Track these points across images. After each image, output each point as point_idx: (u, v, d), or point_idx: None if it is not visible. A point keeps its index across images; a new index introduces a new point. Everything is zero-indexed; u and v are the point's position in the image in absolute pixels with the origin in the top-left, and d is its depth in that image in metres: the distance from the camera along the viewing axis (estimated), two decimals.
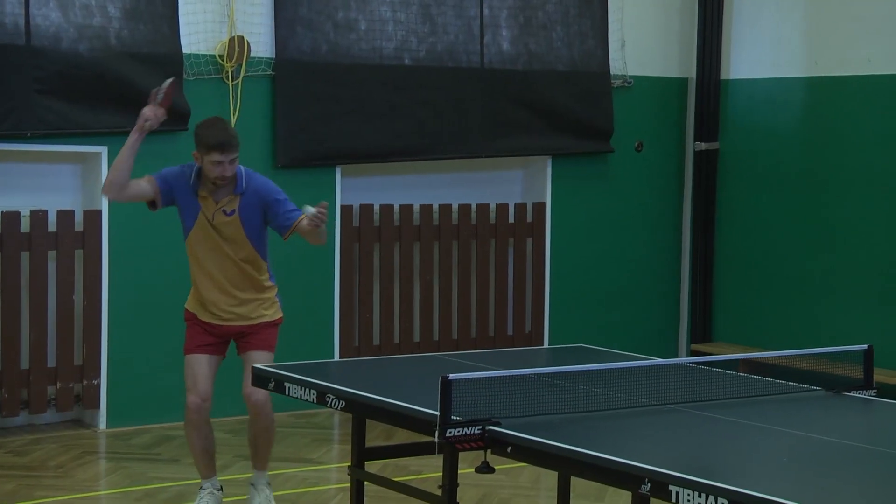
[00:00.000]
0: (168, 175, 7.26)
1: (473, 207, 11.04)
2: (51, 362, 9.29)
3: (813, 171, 11.25)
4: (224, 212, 7.18)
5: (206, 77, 9.68)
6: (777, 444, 5.14)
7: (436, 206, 10.86)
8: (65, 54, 9.08)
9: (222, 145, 6.98)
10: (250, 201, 7.18)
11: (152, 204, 7.32)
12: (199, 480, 7.60)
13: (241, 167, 7.25)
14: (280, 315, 7.48)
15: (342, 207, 10.33)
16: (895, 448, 5.08)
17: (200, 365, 7.27)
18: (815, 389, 6.24)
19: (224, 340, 7.42)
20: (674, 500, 4.31)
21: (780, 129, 11.54)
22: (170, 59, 9.40)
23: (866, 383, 6.21)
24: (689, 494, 4.25)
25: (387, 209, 10.61)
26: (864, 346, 6.29)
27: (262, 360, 7.18)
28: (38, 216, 9.20)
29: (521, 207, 11.30)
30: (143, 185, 7.20)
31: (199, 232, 7.21)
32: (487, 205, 11.13)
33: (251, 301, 7.36)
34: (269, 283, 7.49)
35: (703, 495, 4.19)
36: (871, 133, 10.82)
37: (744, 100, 11.85)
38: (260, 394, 7.10)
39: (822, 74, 11.18)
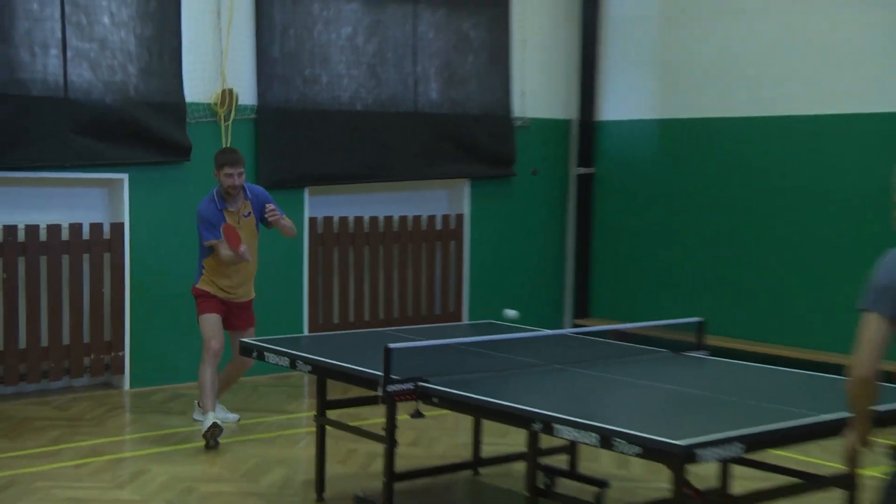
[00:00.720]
0: (207, 220, 7.59)
1: (410, 218, 11.11)
2: (86, 339, 9.30)
3: (665, 189, 11.32)
4: (243, 215, 7.71)
5: (203, 120, 9.63)
6: (634, 392, 5.38)
7: (381, 218, 10.93)
8: (94, 104, 9.04)
9: (231, 162, 7.62)
10: (255, 202, 7.80)
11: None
12: (199, 427, 7.76)
13: (247, 184, 7.80)
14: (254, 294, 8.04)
15: (309, 219, 10.35)
16: (719, 392, 5.32)
17: (217, 321, 7.76)
18: (663, 351, 6.42)
19: (225, 313, 7.84)
20: (556, 435, 4.51)
21: (639, 158, 11.58)
22: (175, 107, 9.42)
23: (699, 346, 6.38)
24: (567, 431, 4.44)
25: (344, 220, 10.68)
26: (699, 319, 6.47)
27: (251, 334, 7.75)
28: (75, 228, 9.20)
29: (446, 218, 11.37)
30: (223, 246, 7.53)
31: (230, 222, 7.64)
32: (421, 216, 11.19)
33: (249, 283, 7.96)
34: (254, 272, 7.97)
35: (578, 431, 4.40)
36: (709, 161, 10.91)
37: (612, 136, 11.84)
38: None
39: (671, 117, 11.27)
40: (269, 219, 7.76)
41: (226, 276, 7.78)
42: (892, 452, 3.61)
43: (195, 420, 8.14)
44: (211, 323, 7.75)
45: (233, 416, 8.30)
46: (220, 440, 7.64)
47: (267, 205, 7.79)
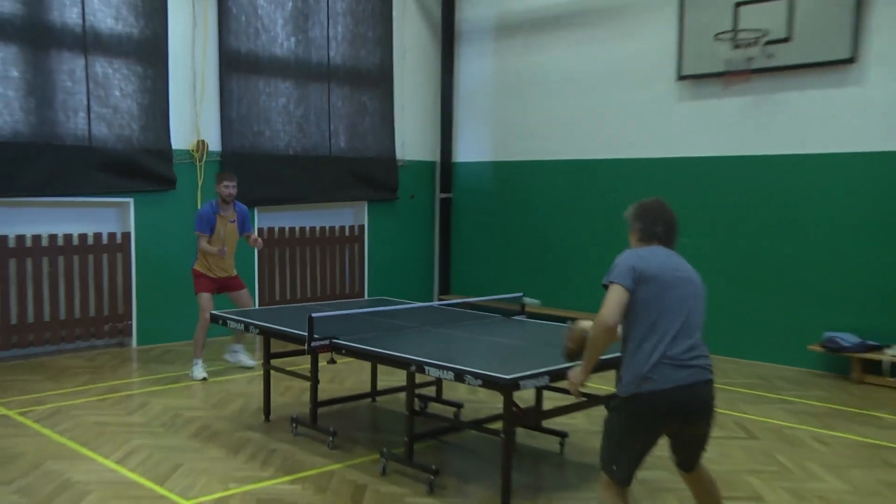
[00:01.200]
0: (204, 218, 7.83)
1: (327, 228, 11.06)
2: (105, 312, 9.20)
3: (499, 207, 11.37)
4: (230, 220, 7.85)
5: (184, 161, 9.54)
6: (478, 343, 5.45)
7: (307, 227, 10.87)
8: (109, 150, 8.95)
9: (229, 177, 7.84)
10: (240, 215, 7.97)
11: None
12: (189, 371, 7.94)
13: (237, 201, 8.00)
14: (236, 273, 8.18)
15: (259, 230, 10.13)
16: (533, 343, 5.48)
17: (209, 298, 7.87)
18: (497, 316, 6.51)
19: (218, 286, 7.95)
20: (426, 373, 4.66)
21: (482, 186, 11.62)
22: (165, 152, 9.33)
23: (521, 312, 6.49)
24: (433, 370, 4.59)
25: (282, 229, 10.59)
26: (520, 294, 6.61)
27: (245, 293, 8.17)
28: (97, 236, 9.12)
29: (352, 227, 11.32)
30: (204, 241, 7.82)
31: (219, 231, 7.80)
32: (335, 226, 11.14)
33: (229, 265, 8.01)
34: (231, 259, 8.08)
35: (440, 370, 4.55)
36: (527, 188, 11.01)
37: (463, 172, 11.87)
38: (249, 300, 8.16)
39: (502, 159, 11.37)
40: (251, 245, 8.12)
41: (211, 262, 7.88)
42: (607, 401, 3.77)
43: (226, 360, 8.43)
44: (205, 299, 7.86)
45: (250, 362, 8.35)
46: (208, 380, 7.79)
47: (250, 235, 8.12)
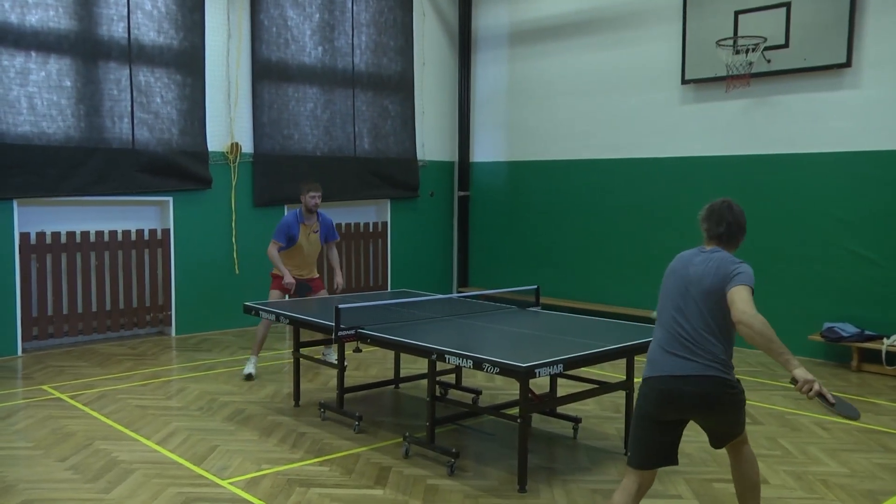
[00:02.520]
0: (284, 228, 7.30)
1: (353, 224, 11.03)
2: (147, 303, 9.21)
3: (513, 204, 11.32)
4: (313, 230, 7.44)
5: (219, 162, 9.54)
6: (495, 333, 5.41)
7: (335, 223, 10.73)
8: (151, 152, 8.96)
9: (316, 188, 7.37)
10: (323, 225, 7.54)
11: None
12: (245, 359, 7.90)
13: (321, 211, 7.53)
14: (318, 275, 7.75)
15: None
16: (548, 332, 5.36)
17: (278, 296, 7.34)
18: (513, 307, 6.44)
19: (298, 287, 7.44)
20: (447, 361, 4.59)
21: (497, 185, 11.57)
22: (202, 154, 9.33)
23: (536, 304, 6.43)
24: (453, 358, 4.52)
25: None
26: (535, 286, 6.55)
27: (323, 293, 7.62)
28: (140, 232, 9.13)
29: (375, 224, 11.30)
30: (275, 249, 7.28)
31: (301, 240, 7.36)
32: (359, 223, 11.11)
33: (310, 269, 7.60)
34: (313, 264, 7.66)
35: (460, 358, 4.48)
36: (539, 186, 10.94)
37: (480, 171, 11.82)
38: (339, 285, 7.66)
39: (515, 159, 11.32)
40: (332, 265, 7.73)
41: (291, 264, 7.41)
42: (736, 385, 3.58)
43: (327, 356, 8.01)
44: (273, 298, 7.30)
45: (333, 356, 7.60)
46: (234, 367, 7.69)
47: (333, 246, 7.70)
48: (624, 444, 5.38)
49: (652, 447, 3.57)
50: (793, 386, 3.42)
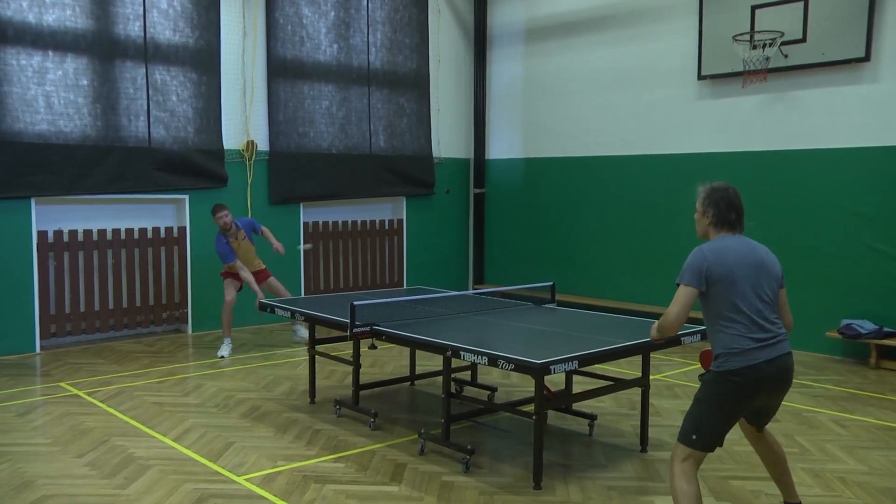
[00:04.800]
0: (225, 250, 8.13)
1: (368, 221, 11.04)
2: (163, 301, 9.26)
3: (528, 200, 11.29)
4: (241, 238, 8.22)
5: (235, 160, 9.58)
6: (510, 329, 5.38)
7: (350, 221, 10.87)
8: (167, 151, 9.00)
9: (220, 208, 8.15)
10: (245, 229, 8.32)
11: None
12: (222, 348, 8.22)
13: (235, 219, 8.27)
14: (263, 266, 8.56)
15: (303, 223, 10.27)
16: (563, 329, 5.36)
17: (233, 285, 8.24)
18: (528, 304, 6.43)
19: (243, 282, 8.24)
20: (462, 358, 4.59)
21: (512, 181, 11.55)
22: (217, 152, 9.37)
23: (552, 300, 6.43)
24: (468, 355, 4.53)
25: (325, 223, 10.58)
26: (551, 282, 6.54)
27: (273, 280, 8.53)
28: (157, 230, 9.18)
29: (391, 221, 11.31)
30: (238, 267, 8.18)
31: (237, 250, 8.13)
32: (375, 220, 11.12)
33: (252, 264, 8.34)
34: (253, 260, 8.45)
35: (475, 355, 4.48)
36: (554, 182, 10.91)
37: (496, 168, 11.81)
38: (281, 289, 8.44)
39: (530, 156, 11.30)
40: (275, 248, 8.46)
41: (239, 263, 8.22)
42: (700, 376, 3.69)
43: (295, 341, 8.80)
44: (229, 286, 8.29)
45: (304, 332, 8.56)
46: (250, 364, 7.73)
47: (265, 232, 8.53)
48: (639, 439, 5.35)
49: (728, 431, 3.68)
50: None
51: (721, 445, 3.67)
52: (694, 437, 3.59)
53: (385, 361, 7.94)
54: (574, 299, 10.01)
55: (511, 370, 4.38)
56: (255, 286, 8.10)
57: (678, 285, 3.61)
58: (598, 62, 10.39)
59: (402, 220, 11.39)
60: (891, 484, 4.74)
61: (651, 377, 5.36)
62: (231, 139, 9.60)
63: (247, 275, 8.12)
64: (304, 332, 8.51)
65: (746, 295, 3.55)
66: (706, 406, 3.62)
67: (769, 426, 3.96)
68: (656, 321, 3.78)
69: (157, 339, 9.03)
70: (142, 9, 8.79)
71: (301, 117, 10.12)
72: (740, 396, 3.55)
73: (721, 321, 3.59)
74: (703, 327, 4.63)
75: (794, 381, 7.19)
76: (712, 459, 5.07)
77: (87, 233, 8.76)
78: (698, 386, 3.70)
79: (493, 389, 6.54)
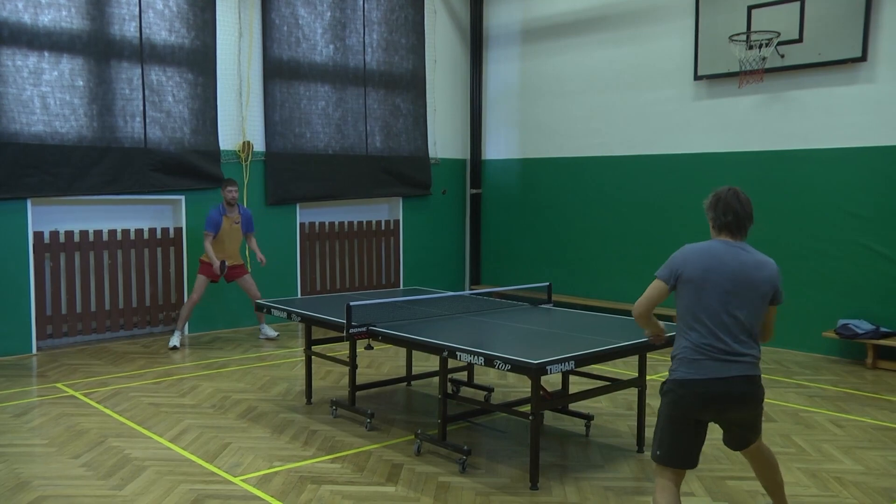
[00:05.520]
0: (211, 219, 8.48)
1: (365, 222, 11.04)
2: (160, 301, 9.24)
3: (524, 201, 11.27)
4: (235, 221, 8.40)
5: (231, 161, 9.55)
6: (506, 330, 5.38)
7: (346, 222, 10.86)
8: (163, 151, 8.99)
9: (232, 182, 8.44)
10: (243, 217, 8.57)
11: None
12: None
13: (240, 204, 8.51)
14: (242, 262, 8.82)
15: (300, 224, 10.24)
16: (560, 329, 5.36)
17: (204, 281, 8.57)
18: (525, 304, 6.43)
19: (220, 276, 8.54)
20: (458, 358, 4.59)
21: (508, 182, 11.53)
22: (213, 153, 9.35)
23: (548, 300, 6.42)
24: (465, 356, 4.53)
25: (322, 224, 10.58)
26: (547, 283, 6.54)
27: (248, 278, 8.72)
28: (152, 231, 9.17)
29: (387, 222, 11.30)
30: (209, 240, 8.49)
31: (224, 230, 8.41)
32: (371, 220, 11.12)
33: (234, 257, 8.68)
34: (236, 252, 8.78)
35: (472, 355, 4.48)
36: (550, 183, 10.90)
37: (492, 168, 11.79)
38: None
39: (526, 157, 11.29)
40: (259, 257, 8.75)
41: (219, 252, 8.56)
42: (661, 387, 3.63)
43: (261, 339, 8.99)
44: (200, 282, 8.58)
45: (273, 333, 9.06)
46: (246, 365, 7.69)
47: (251, 236, 8.85)
48: (636, 440, 5.36)
49: (688, 447, 3.55)
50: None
51: (689, 464, 3.55)
52: (658, 451, 3.57)
53: (381, 362, 7.93)
54: (570, 300, 10.02)
55: (507, 371, 4.38)
56: (216, 263, 8.42)
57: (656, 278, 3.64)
58: (595, 62, 10.39)
59: (398, 220, 11.38)
60: (887, 484, 4.74)
61: (647, 377, 5.36)
62: (227, 140, 9.59)
63: (211, 252, 8.40)
64: (270, 332, 9.01)
65: (712, 305, 3.47)
66: (660, 418, 3.60)
67: (762, 437, 3.89)
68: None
69: (154, 340, 9.02)
70: (137, 9, 8.79)
71: (297, 118, 10.11)
72: (683, 408, 3.48)
73: (682, 324, 3.56)
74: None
75: (792, 380, 7.24)
76: (709, 460, 5.08)
77: (84, 234, 8.75)
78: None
79: (489, 390, 6.54)
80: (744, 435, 3.68)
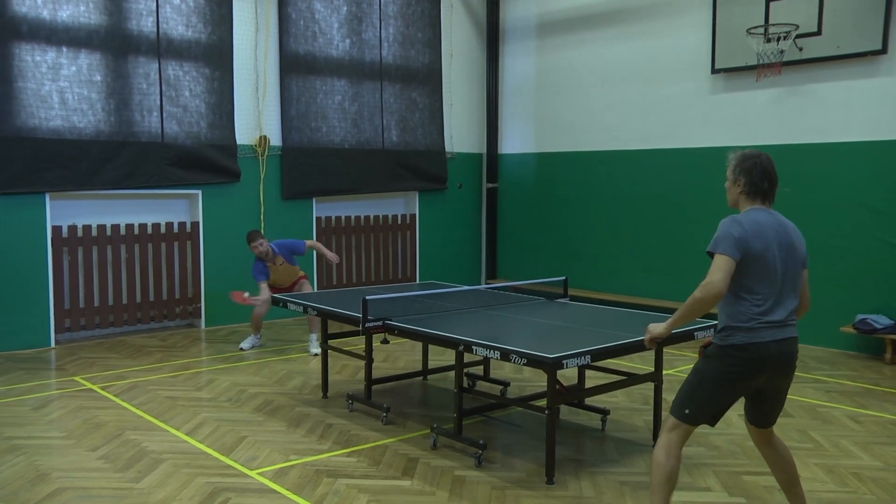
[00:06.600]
0: (260, 270, 7.94)
1: (381, 216, 11.05)
2: (177, 295, 9.32)
3: (541, 195, 11.27)
4: (279, 264, 7.95)
5: (248, 156, 9.59)
6: (522, 324, 5.39)
7: (362, 216, 10.90)
8: (180, 146, 9.03)
9: (255, 236, 7.88)
10: (283, 254, 8.02)
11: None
12: (248, 340, 8.19)
13: (270, 244, 8.02)
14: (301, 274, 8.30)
15: (316, 218, 10.30)
16: (576, 323, 5.32)
17: (267, 286, 7.94)
18: (541, 299, 6.43)
19: (280, 291, 7.96)
20: (474, 353, 4.58)
21: (525, 176, 11.52)
22: (230, 148, 9.38)
23: (564, 295, 6.42)
24: (481, 350, 4.51)
25: (338, 218, 10.61)
26: (563, 277, 6.56)
27: (306, 283, 8.34)
28: (169, 225, 9.22)
29: (403, 216, 11.31)
30: (265, 286, 7.92)
31: (276, 273, 7.96)
32: (388, 215, 11.13)
33: (292, 277, 8.17)
34: (290, 283, 8.21)
35: (488, 349, 4.48)
36: (567, 177, 10.89)
37: (508, 162, 11.79)
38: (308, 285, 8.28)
39: (543, 151, 11.27)
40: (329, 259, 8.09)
41: (275, 282, 8.11)
42: (704, 349, 3.57)
43: (241, 348, 8.35)
44: (264, 287, 7.91)
45: (317, 349, 8.27)
46: (263, 359, 7.73)
47: (314, 247, 8.31)
48: (652, 434, 5.33)
49: (725, 407, 3.60)
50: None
51: (713, 424, 3.60)
52: (686, 410, 3.53)
53: (397, 356, 7.93)
54: (587, 294, 9.99)
55: (523, 365, 4.36)
56: (259, 304, 7.92)
57: (711, 255, 3.43)
58: (611, 56, 10.35)
59: (414, 215, 11.39)
60: None
61: (664, 372, 5.33)
62: (244, 134, 9.61)
63: (265, 295, 7.77)
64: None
65: (775, 273, 3.45)
66: (704, 379, 3.52)
67: (779, 432, 3.85)
68: (696, 290, 3.42)
69: (171, 334, 9.07)
70: (155, 4, 8.82)
71: (313, 112, 10.12)
72: (742, 372, 3.45)
73: (742, 292, 3.44)
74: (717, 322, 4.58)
75: (810, 376, 7.19)
76: (725, 455, 5.06)
77: (101, 228, 8.81)
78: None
79: (505, 384, 6.54)
80: (774, 408, 3.65)
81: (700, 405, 3.53)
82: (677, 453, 3.52)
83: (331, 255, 8.04)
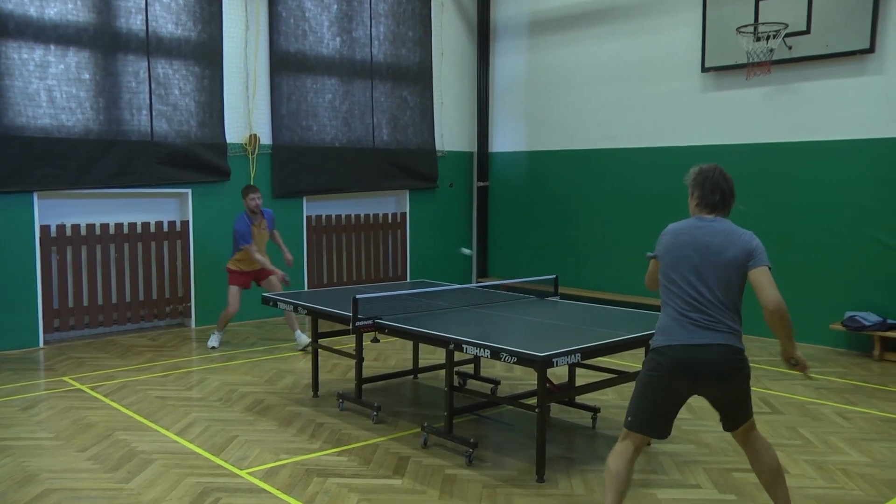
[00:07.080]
0: (244, 230, 7.94)
1: (371, 215, 11.04)
2: (167, 294, 9.28)
3: (531, 194, 11.27)
4: (262, 227, 7.95)
5: (238, 154, 9.57)
6: (513, 322, 5.37)
7: (353, 215, 10.87)
8: (169, 144, 8.99)
9: (256, 189, 7.94)
10: (268, 219, 8.07)
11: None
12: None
13: (263, 209, 8.10)
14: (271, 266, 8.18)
15: (307, 217, 10.27)
16: (566, 321, 5.32)
17: (237, 292, 8.09)
18: (531, 297, 6.45)
19: (251, 278, 8.15)
20: (464, 351, 4.57)
21: (515, 175, 11.52)
22: (220, 146, 9.36)
23: (554, 293, 6.42)
24: (471, 348, 4.51)
25: (328, 217, 10.59)
26: (554, 276, 6.54)
27: (272, 278, 8.15)
28: (159, 224, 9.19)
29: (394, 215, 11.30)
30: (254, 250, 8.00)
31: (255, 237, 7.88)
32: (378, 213, 11.12)
33: (265, 259, 8.03)
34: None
35: (478, 348, 4.47)
36: (558, 175, 10.89)
37: (499, 161, 11.79)
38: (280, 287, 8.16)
39: (533, 149, 11.28)
40: (286, 258, 8.29)
41: (247, 262, 8.08)
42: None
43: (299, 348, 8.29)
44: (233, 293, 8.11)
45: (306, 339, 8.26)
46: (253, 358, 7.70)
47: (276, 234, 8.37)
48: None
49: (659, 415, 3.59)
50: (790, 363, 3.62)
51: (657, 433, 3.59)
52: (629, 417, 3.62)
53: (388, 355, 7.92)
54: (577, 292, 9.99)
55: (514, 363, 4.37)
56: (270, 265, 8.03)
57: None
58: (602, 55, 10.36)
59: (405, 213, 11.37)
60: (894, 476, 4.72)
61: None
62: (234, 133, 9.59)
63: (262, 258, 7.96)
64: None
65: (686, 276, 3.52)
66: (636, 385, 3.66)
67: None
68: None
69: (161, 334, 9.04)
70: (143, 2, 8.78)
71: (304, 111, 10.10)
72: (659, 376, 3.51)
73: (663, 297, 3.62)
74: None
75: (797, 373, 7.18)
76: (715, 451, 5.08)
77: (90, 227, 8.77)
78: None
79: (496, 383, 6.54)
80: (731, 414, 3.63)
81: (633, 411, 3.61)
82: (625, 462, 3.57)
83: (289, 255, 8.33)
